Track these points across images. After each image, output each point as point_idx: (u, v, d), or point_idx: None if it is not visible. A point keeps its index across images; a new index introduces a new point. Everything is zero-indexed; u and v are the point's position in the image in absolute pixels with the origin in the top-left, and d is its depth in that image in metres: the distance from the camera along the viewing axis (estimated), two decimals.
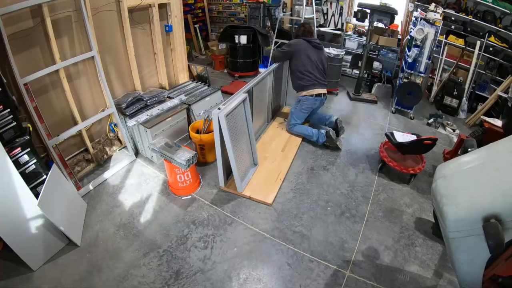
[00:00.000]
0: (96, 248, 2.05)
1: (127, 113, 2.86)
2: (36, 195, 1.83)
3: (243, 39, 5.11)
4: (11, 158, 1.80)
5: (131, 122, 2.73)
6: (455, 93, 4.27)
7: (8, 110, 1.93)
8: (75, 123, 2.62)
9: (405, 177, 2.85)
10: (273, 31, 5.65)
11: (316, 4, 5.62)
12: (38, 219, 1.86)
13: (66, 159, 2.58)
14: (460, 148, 2.69)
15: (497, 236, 1.18)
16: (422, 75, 4.03)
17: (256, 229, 2.24)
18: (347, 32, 5.71)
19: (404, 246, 2.15)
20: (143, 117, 2.81)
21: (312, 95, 3.18)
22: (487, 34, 4.28)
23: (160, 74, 3.55)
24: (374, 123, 3.98)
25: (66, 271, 1.89)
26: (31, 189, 1.91)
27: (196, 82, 3.91)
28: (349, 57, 5.22)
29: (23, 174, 1.91)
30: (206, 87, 3.80)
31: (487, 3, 4.30)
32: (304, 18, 4.81)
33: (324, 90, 3.23)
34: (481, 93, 4.48)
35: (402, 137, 2.83)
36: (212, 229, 2.23)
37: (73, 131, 2.52)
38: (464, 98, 4.30)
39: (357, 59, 4.94)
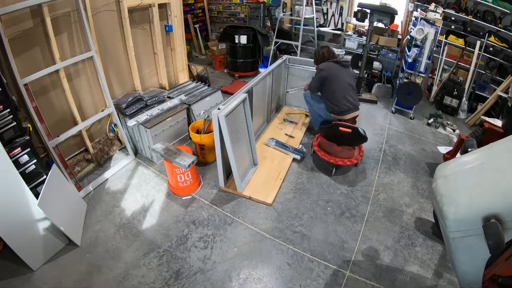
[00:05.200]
0: (96, 248, 2.05)
1: (127, 113, 2.86)
2: (36, 195, 1.83)
3: (243, 39, 5.11)
4: (11, 158, 1.80)
5: (131, 122, 2.73)
6: (455, 93, 4.27)
7: (8, 110, 1.93)
8: (75, 123, 2.62)
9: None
10: (273, 31, 5.65)
11: (316, 4, 5.63)
12: (38, 219, 1.86)
13: (66, 159, 2.58)
14: (460, 148, 2.70)
15: (497, 236, 1.18)
16: (422, 75, 4.03)
17: (256, 229, 2.24)
18: (347, 32, 5.72)
19: (404, 246, 2.15)
20: (143, 117, 2.81)
21: (336, 117, 2.99)
22: (487, 34, 4.28)
23: (160, 74, 3.55)
24: (374, 123, 3.98)
25: (66, 271, 1.89)
26: (31, 189, 1.91)
27: (196, 82, 3.91)
28: (349, 57, 5.21)
29: (23, 174, 1.91)
30: (206, 87, 3.80)
31: (487, 3, 4.30)
32: (304, 18, 4.82)
33: (354, 114, 2.98)
34: (481, 93, 4.47)
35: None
36: (212, 229, 2.23)
37: (73, 131, 2.53)
38: (464, 98, 4.30)
39: (357, 59, 4.94)
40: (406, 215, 2.44)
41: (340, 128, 2.62)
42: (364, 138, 2.68)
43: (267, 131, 3.50)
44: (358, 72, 4.72)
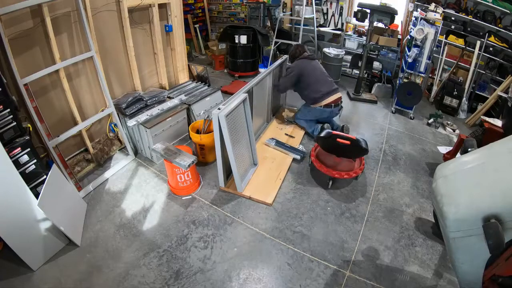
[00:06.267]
0: (96, 248, 2.05)
1: (127, 113, 2.86)
2: (36, 195, 1.82)
3: (243, 39, 5.11)
4: (11, 158, 1.80)
5: (131, 122, 2.73)
6: (455, 93, 4.27)
7: (8, 110, 1.93)
8: (75, 123, 2.62)
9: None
10: (273, 31, 5.65)
11: (316, 4, 5.62)
12: (38, 219, 1.86)
13: (66, 159, 2.58)
14: (460, 148, 2.70)
15: (497, 236, 1.18)
16: (422, 75, 4.03)
17: (256, 229, 2.24)
18: (347, 32, 5.72)
19: (404, 246, 2.15)
20: (143, 117, 2.81)
21: (320, 106, 3.24)
22: (487, 34, 4.28)
23: (160, 74, 3.55)
24: (374, 123, 3.98)
25: (66, 271, 1.89)
26: (31, 189, 1.91)
27: (196, 82, 3.91)
28: (349, 57, 5.22)
29: (23, 174, 1.91)
30: (206, 87, 3.80)
31: (487, 3, 4.29)
32: (304, 18, 4.82)
33: (333, 98, 3.22)
34: (481, 93, 4.47)
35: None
36: (212, 229, 2.23)
37: (73, 131, 2.53)
38: (464, 98, 4.30)
39: (357, 59, 4.94)
40: (406, 215, 2.44)
41: (338, 139, 2.52)
42: (364, 151, 2.54)
43: (267, 131, 3.50)
44: (358, 72, 4.73)
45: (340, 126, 3.35)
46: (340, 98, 3.31)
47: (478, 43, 4.26)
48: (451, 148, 3.19)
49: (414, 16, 4.17)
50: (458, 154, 2.79)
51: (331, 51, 4.96)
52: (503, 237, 1.18)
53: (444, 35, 4.58)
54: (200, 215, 2.36)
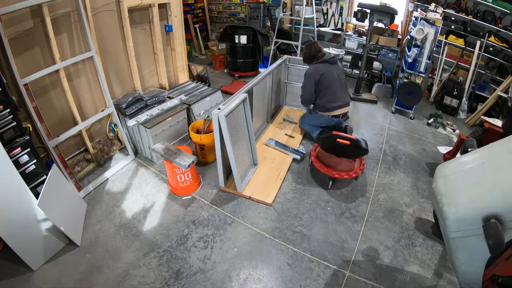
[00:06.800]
0: (96, 248, 2.05)
1: (127, 113, 2.86)
2: (36, 195, 1.83)
3: (243, 39, 5.11)
4: (11, 158, 1.80)
5: (131, 122, 2.73)
6: (455, 93, 4.27)
7: (8, 110, 1.93)
8: (75, 123, 2.62)
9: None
10: (273, 31, 5.65)
11: (316, 4, 5.62)
12: (38, 219, 1.86)
13: (66, 159, 2.58)
14: (460, 148, 2.69)
15: (497, 236, 1.18)
16: (422, 75, 4.03)
17: (256, 229, 2.24)
18: (347, 32, 5.72)
19: (404, 246, 2.15)
20: (143, 117, 2.81)
21: (329, 115, 3.13)
22: (487, 34, 4.28)
23: (160, 74, 3.55)
24: (374, 123, 3.98)
25: (66, 271, 1.89)
26: (31, 189, 1.91)
27: (196, 82, 3.91)
28: (349, 57, 5.22)
29: (23, 174, 1.91)
30: (206, 87, 3.80)
31: (487, 3, 4.30)
32: (304, 18, 4.81)
33: (344, 110, 3.11)
34: (481, 93, 4.47)
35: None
36: (212, 229, 2.23)
37: (73, 131, 2.53)
38: (464, 98, 4.30)
39: (357, 59, 4.94)
40: (406, 215, 2.44)
41: (338, 139, 2.53)
42: (364, 151, 2.57)
43: (267, 131, 3.50)
44: (358, 72, 4.73)
45: (343, 126, 3.26)
46: (347, 111, 3.18)
47: (478, 43, 4.26)
48: (451, 148, 3.19)
49: (414, 16, 4.17)
50: (458, 154, 2.79)
51: (331, 51, 4.95)
52: (503, 237, 1.18)
53: (444, 35, 4.58)
54: (200, 215, 2.36)
